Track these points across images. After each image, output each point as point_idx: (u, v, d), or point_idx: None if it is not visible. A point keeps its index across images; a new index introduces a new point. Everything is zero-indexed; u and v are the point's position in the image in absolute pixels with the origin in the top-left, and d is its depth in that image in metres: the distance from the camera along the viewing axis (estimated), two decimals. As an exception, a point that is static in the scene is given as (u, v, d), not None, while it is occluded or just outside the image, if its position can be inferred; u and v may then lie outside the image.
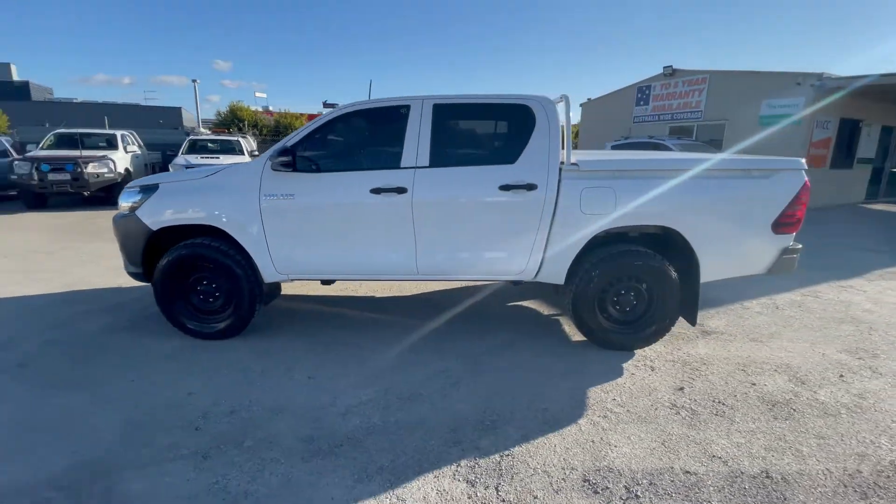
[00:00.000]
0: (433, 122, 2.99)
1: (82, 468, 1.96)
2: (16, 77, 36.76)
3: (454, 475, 1.95)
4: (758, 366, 2.95)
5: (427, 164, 2.97)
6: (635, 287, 3.06)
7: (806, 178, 2.93)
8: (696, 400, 2.55)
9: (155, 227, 3.07)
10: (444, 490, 1.87)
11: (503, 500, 1.82)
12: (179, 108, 36.78)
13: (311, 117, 24.76)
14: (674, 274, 2.95)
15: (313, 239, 3.06)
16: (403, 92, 8.73)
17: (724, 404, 2.51)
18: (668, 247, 3.08)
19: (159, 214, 3.07)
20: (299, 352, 3.08)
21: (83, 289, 4.30)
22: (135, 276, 3.26)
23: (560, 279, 3.07)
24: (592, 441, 2.19)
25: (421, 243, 3.03)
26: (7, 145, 10.18)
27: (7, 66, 36.44)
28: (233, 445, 2.13)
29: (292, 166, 2.95)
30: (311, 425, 2.29)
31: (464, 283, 4.47)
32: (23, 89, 34.28)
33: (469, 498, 1.83)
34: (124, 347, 3.13)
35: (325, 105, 7.14)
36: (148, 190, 3.13)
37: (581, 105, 17.44)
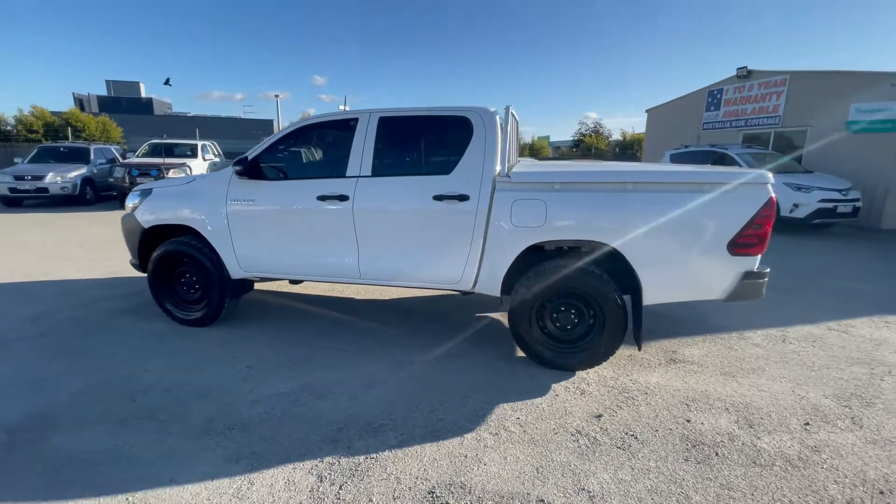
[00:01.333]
0: (377, 134, 3.13)
1: (29, 420, 2.38)
2: (143, 94, 43.55)
3: (311, 469, 2.05)
4: (708, 402, 2.64)
5: (369, 174, 3.11)
6: (576, 305, 2.90)
7: (772, 194, 2.58)
8: (606, 430, 2.36)
9: (146, 226, 3.58)
10: (293, 481, 1.97)
11: (340, 499, 1.88)
12: (271, 121, 41.00)
13: None
14: (615, 294, 2.75)
15: (270, 241, 3.34)
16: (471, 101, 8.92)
17: (636, 438, 2.30)
18: (617, 265, 2.88)
19: (150, 215, 3.57)
20: (256, 344, 3.37)
21: (121, 276, 5.06)
22: (135, 266, 3.81)
23: (496, 291, 3.02)
24: (465, 456, 2.15)
25: (363, 249, 3.17)
26: (116, 154, 12.20)
27: (136, 84, 43.29)
28: (149, 417, 2.43)
29: (253, 174, 3.27)
30: (221, 409, 2.52)
31: (443, 292, 4.50)
32: (147, 105, 40.55)
33: (311, 491, 1.92)
34: (123, 327, 3.66)
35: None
36: (145, 193, 3.65)
37: (646, 111, 16.36)
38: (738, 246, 2.59)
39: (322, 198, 3.14)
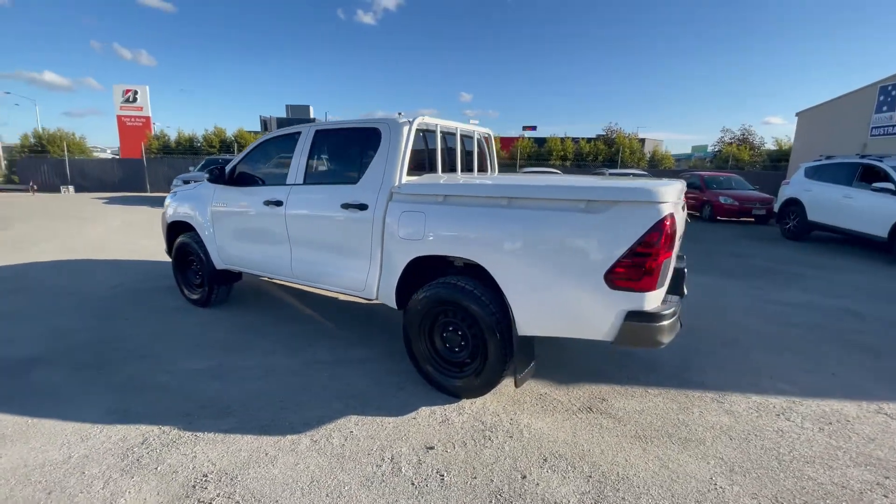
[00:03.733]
0: (312, 145, 3.39)
1: (30, 357, 3.24)
2: (311, 115, 51.78)
3: (147, 433, 2.36)
4: (574, 464, 2.19)
5: (301, 182, 3.39)
6: (461, 326, 2.70)
7: (664, 215, 2.03)
8: (421, 463, 2.17)
9: (169, 221, 4.46)
10: (126, 438, 2.31)
11: (140, 461, 2.15)
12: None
13: (503, 139, 26.71)
14: (488, 317, 2.49)
15: (235, 238, 3.87)
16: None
17: (442, 478, 2.06)
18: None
19: (171, 211, 4.45)
20: (222, 328, 3.91)
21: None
22: (168, 253, 4.76)
23: (392, 302, 2.98)
24: (266, 454, 2.22)
25: (294, 250, 3.46)
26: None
27: (307, 107, 51.65)
28: (96, 368, 3.08)
29: (227, 181, 3.84)
30: (144, 373, 3.04)
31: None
32: (309, 122, 48.29)
33: (129, 448, 2.23)
34: (150, 301, 4.61)
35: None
36: (173, 195, 4.56)
37: (797, 115, 13.22)
38: (618, 278, 2.11)
39: (266, 202, 3.52)
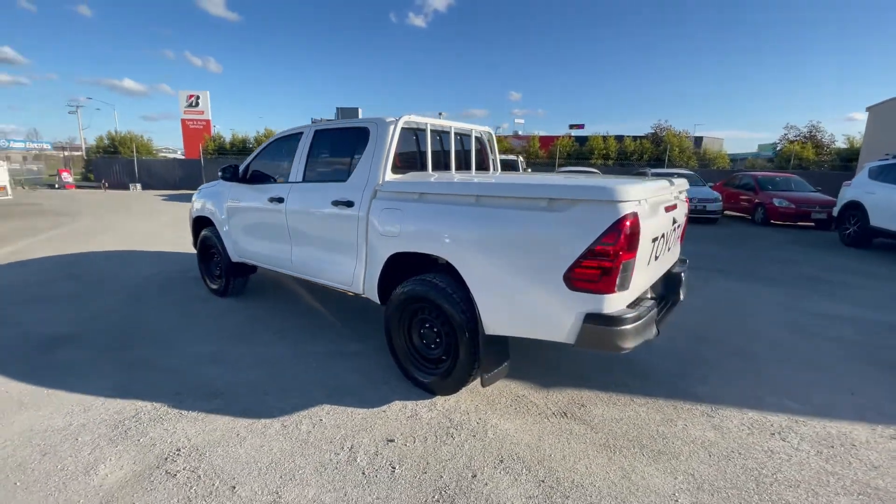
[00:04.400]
0: (311, 145, 3.53)
1: (61, 335, 3.62)
2: (360, 116, 53.21)
3: (140, 408, 2.58)
4: (529, 466, 2.15)
5: (300, 180, 3.54)
6: (436, 323, 2.72)
7: (622, 214, 1.94)
8: (377, 454, 2.22)
9: (194, 216, 4.80)
10: (120, 411, 2.54)
11: (128, 432, 2.35)
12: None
13: (543, 138, 26.34)
14: (458, 315, 2.49)
15: (245, 233, 4.10)
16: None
17: (393, 471, 2.10)
18: None
19: (194, 207, 4.78)
20: (235, 318, 4.16)
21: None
22: (193, 246, 5.11)
23: (375, 297, 3.05)
24: (237, 435, 2.36)
25: (293, 245, 3.62)
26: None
27: (356, 109, 53.06)
28: (112, 348, 3.39)
29: (241, 179, 4.08)
30: (155, 356, 3.31)
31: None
32: None
33: (123, 420, 2.45)
34: (178, 289, 4.98)
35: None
36: (199, 192, 4.90)
37: (867, 109, 11.91)
38: (577, 279, 2.04)
39: (270, 199, 3.71)
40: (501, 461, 2.19)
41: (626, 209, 1.97)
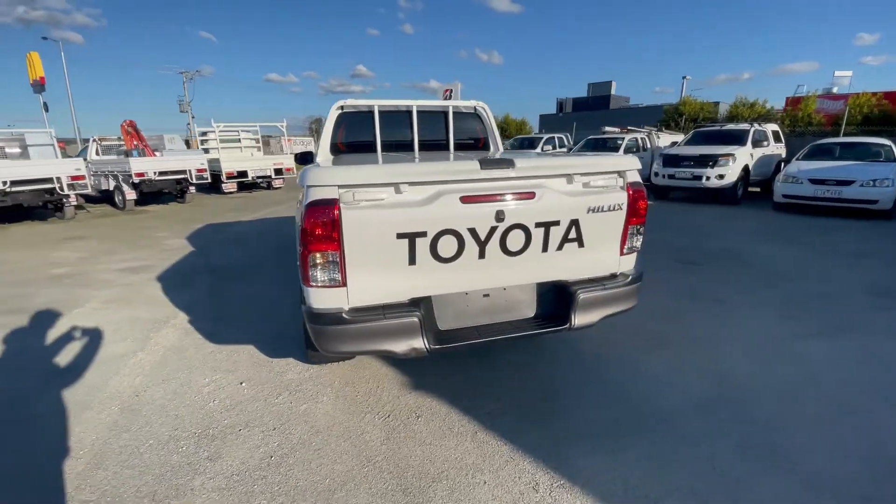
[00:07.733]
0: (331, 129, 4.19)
1: (223, 266, 5.64)
2: (613, 91, 48.67)
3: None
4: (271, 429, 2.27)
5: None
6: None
7: (310, 200, 1.83)
8: (210, 382, 2.80)
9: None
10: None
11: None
12: (717, 103, 36.17)
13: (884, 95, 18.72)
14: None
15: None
16: None
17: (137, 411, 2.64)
18: None
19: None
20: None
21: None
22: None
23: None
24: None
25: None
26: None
27: (609, 83, 49.12)
28: (238, 277, 5.11)
29: (305, 162, 5.17)
30: (252, 284, 4.82)
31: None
32: (606, 100, 45.15)
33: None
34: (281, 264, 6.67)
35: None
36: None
37: None
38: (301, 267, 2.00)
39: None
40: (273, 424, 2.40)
41: (316, 195, 1.83)
